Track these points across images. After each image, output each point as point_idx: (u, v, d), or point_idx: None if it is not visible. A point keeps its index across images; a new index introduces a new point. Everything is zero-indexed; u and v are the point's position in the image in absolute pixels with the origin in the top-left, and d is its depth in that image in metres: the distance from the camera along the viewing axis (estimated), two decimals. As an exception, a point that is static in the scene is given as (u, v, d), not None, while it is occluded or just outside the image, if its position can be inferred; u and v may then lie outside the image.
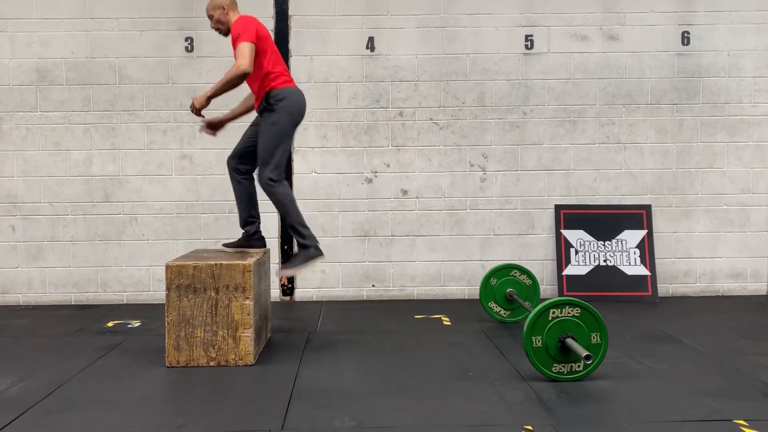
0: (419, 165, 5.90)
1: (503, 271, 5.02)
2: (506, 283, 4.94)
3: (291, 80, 4.39)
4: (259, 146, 4.30)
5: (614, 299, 5.71)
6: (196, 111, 4.21)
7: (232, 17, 4.29)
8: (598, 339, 3.61)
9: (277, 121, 4.25)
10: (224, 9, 4.29)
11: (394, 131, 5.88)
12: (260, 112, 4.37)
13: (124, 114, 5.80)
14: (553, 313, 3.58)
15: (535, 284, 4.99)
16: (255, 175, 4.45)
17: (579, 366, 3.59)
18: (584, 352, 3.40)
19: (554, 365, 3.59)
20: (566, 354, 3.57)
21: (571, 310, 3.59)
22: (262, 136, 4.29)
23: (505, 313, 4.96)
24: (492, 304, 4.97)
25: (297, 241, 4.42)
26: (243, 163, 4.44)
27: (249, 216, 4.49)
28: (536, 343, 3.58)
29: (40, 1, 5.74)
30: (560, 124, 5.92)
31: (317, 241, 4.42)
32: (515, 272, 5.00)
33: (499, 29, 5.87)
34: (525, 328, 3.58)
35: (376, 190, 5.90)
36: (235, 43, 4.14)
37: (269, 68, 4.24)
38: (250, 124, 4.52)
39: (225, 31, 4.36)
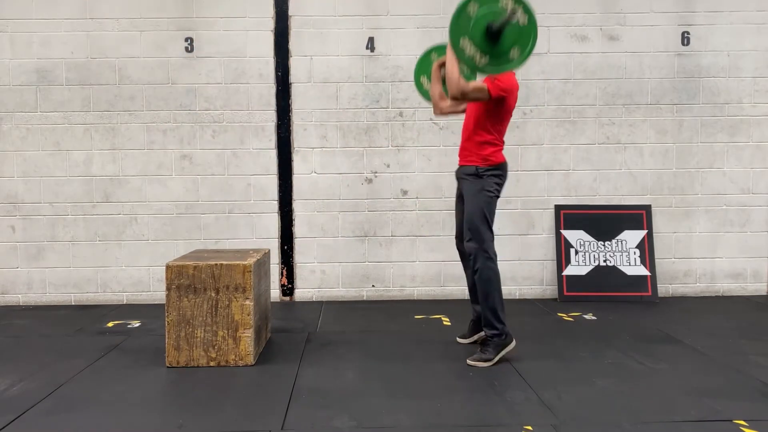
0: (419, 165, 5.90)
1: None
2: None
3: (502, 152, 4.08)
4: (466, 215, 3.99)
5: (614, 299, 5.71)
6: None
7: None
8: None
9: (485, 187, 3.95)
10: None
11: (394, 131, 5.88)
12: (464, 175, 4.04)
13: (124, 114, 5.81)
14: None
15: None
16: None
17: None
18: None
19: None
20: (499, 44, 3.53)
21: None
22: (470, 205, 3.97)
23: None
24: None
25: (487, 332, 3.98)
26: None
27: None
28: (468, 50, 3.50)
29: (40, 1, 5.74)
30: (560, 124, 5.92)
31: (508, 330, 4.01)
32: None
33: (499, 29, 5.87)
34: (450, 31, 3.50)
35: (376, 190, 5.90)
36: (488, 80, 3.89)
37: (496, 134, 4.00)
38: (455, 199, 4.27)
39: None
